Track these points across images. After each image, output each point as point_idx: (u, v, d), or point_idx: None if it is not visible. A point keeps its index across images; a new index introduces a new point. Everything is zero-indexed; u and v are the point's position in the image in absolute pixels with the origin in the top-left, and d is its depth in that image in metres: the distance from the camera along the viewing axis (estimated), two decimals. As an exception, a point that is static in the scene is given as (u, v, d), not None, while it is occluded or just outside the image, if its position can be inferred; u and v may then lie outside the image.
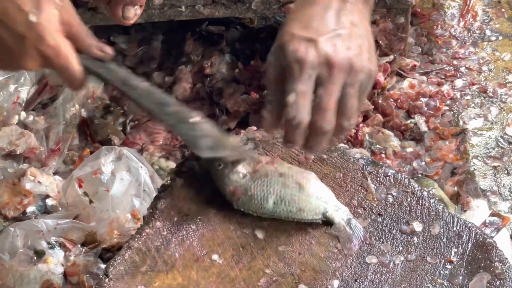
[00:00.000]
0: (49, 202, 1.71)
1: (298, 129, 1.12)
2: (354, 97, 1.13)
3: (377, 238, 1.21)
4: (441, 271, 1.17)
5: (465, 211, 1.63)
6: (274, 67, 1.14)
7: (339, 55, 1.11)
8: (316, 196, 1.20)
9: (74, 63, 1.13)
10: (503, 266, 1.16)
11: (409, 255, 1.19)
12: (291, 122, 1.11)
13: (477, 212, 1.62)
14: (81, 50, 1.14)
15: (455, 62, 1.99)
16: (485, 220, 1.57)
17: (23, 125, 1.86)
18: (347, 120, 1.14)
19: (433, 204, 1.24)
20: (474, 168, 1.74)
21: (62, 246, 1.59)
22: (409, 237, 1.21)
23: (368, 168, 1.28)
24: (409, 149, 1.80)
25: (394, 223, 1.22)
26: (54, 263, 1.57)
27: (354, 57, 1.12)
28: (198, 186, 1.25)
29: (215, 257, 1.18)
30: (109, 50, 1.16)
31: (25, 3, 1.08)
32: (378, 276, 1.17)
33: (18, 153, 1.80)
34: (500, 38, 2.06)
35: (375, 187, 1.25)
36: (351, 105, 1.13)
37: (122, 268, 1.16)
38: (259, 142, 1.30)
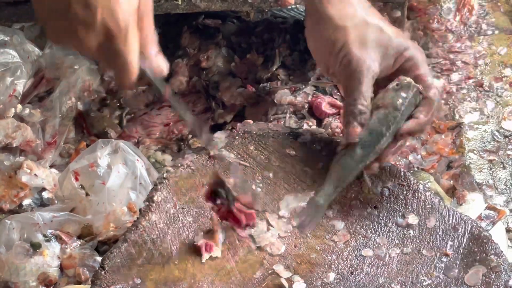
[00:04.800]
0: (45, 195, 1.71)
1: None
2: None
3: (373, 231, 1.21)
4: (437, 264, 1.17)
5: (460, 204, 1.63)
6: None
7: None
8: None
9: (134, 57, 1.04)
10: (498, 259, 1.17)
11: (404, 248, 1.19)
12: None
13: (473, 206, 1.62)
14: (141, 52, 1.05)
15: (451, 56, 1.99)
16: (481, 213, 1.57)
17: (19, 118, 1.85)
18: None
19: (429, 197, 1.24)
20: (470, 162, 1.74)
21: (58, 238, 1.59)
22: (405, 230, 1.21)
23: (364, 161, 1.28)
24: (405, 143, 1.80)
25: (390, 216, 1.23)
26: (50, 255, 1.57)
27: None
28: (195, 179, 1.25)
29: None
30: (165, 70, 1.09)
31: None
32: (374, 269, 1.17)
33: (14, 146, 1.79)
34: (496, 32, 2.06)
35: (371, 180, 1.25)
36: None
37: (118, 260, 1.16)
38: (255, 135, 1.30)
